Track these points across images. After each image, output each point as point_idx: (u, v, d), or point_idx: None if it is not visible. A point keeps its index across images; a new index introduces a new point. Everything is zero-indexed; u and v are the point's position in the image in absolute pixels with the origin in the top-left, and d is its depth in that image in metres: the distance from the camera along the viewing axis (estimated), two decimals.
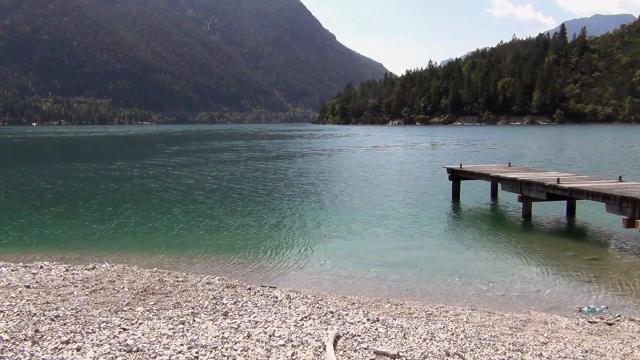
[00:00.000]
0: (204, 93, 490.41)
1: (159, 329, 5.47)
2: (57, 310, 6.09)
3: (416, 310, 7.00)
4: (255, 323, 5.75)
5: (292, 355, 4.78)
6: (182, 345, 4.95)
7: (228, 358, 4.70)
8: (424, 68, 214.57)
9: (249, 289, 7.69)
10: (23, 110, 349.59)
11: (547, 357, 5.06)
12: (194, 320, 5.83)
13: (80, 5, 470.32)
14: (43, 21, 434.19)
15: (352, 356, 4.82)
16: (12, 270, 8.54)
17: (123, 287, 7.43)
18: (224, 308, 6.44)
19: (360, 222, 14.29)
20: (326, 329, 5.55)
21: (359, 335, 5.38)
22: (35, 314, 5.89)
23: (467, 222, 14.84)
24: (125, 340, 5.05)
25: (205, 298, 6.93)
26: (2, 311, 5.95)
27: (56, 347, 4.84)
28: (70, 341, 5.01)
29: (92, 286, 7.46)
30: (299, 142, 69.66)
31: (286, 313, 6.24)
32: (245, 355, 4.76)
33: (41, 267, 8.94)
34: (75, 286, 7.47)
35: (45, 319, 5.71)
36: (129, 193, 20.73)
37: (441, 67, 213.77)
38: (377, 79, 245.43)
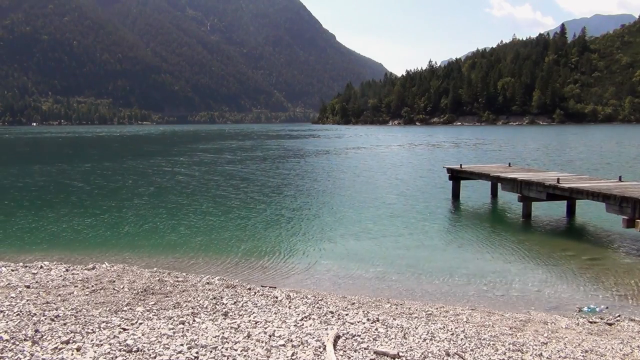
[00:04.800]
0: (204, 93, 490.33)
1: (159, 329, 5.47)
2: (57, 310, 6.09)
3: (416, 310, 7.00)
4: (255, 323, 5.75)
5: (292, 355, 4.78)
6: (182, 345, 4.95)
7: (228, 358, 4.70)
8: (424, 68, 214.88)
9: (249, 289, 7.69)
10: (23, 110, 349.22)
11: (547, 357, 5.06)
12: (194, 320, 5.82)
13: (80, 5, 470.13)
14: (43, 21, 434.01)
15: (352, 356, 4.82)
16: (12, 270, 8.54)
17: (123, 287, 7.43)
18: (224, 308, 6.44)
19: (360, 222, 14.29)
20: (326, 329, 5.55)
21: (359, 335, 5.38)
22: (35, 314, 5.89)
23: (467, 222, 14.84)
24: (125, 340, 5.05)
25: (205, 298, 6.93)
26: (2, 311, 5.95)
27: (56, 347, 4.84)
28: (70, 341, 5.01)
29: (92, 286, 7.46)
30: (300, 142, 69.66)
31: (286, 313, 6.24)
32: (245, 355, 4.76)
33: (41, 267, 8.94)
34: (75, 286, 7.46)
35: (45, 319, 5.71)
36: (130, 193, 20.72)
37: (441, 67, 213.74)
38: (377, 79, 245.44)
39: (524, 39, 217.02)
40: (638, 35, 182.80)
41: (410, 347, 5.12)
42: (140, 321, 5.76)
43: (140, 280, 7.92)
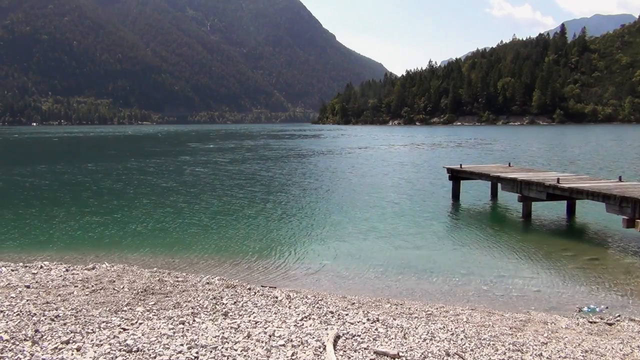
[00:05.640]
0: (204, 93, 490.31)
1: (159, 329, 5.47)
2: (57, 310, 6.09)
3: (416, 310, 7.00)
4: (255, 323, 5.75)
5: (292, 355, 4.78)
6: (182, 345, 4.96)
7: (228, 358, 4.70)
8: (424, 68, 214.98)
9: (249, 289, 7.69)
10: (23, 110, 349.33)
11: (547, 357, 5.06)
12: (194, 320, 5.83)
13: (80, 5, 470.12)
14: (43, 21, 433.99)
15: (352, 356, 4.82)
16: (12, 270, 8.54)
17: (123, 287, 7.43)
18: (224, 308, 6.44)
19: (360, 222, 14.29)
20: (326, 329, 5.55)
21: (359, 335, 5.38)
22: (35, 314, 5.89)
23: (467, 222, 14.84)
24: (125, 340, 5.05)
25: (205, 298, 6.93)
26: (2, 311, 5.95)
27: (56, 347, 4.84)
28: (70, 341, 5.01)
29: (92, 286, 7.46)
30: (302, 142, 69.66)
31: (286, 313, 6.24)
32: (245, 355, 4.76)
33: (41, 267, 8.94)
34: (75, 286, 7.47)
35: (45, 319, 5.71)
36: (129, 193, 20.72)
37: (441, 67, 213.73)
38: (377, 79, 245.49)
39: (524, 39, 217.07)
40: (638, 35, 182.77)
41: (410, 347, 5.12)
42: (140, 321, 5.76)
43: (140, 280, 7.92)
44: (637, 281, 8.85)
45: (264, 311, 6.32)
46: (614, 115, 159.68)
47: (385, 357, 4.83)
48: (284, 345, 5.02)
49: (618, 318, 6.91)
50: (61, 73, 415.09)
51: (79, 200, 18.71)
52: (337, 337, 5.27)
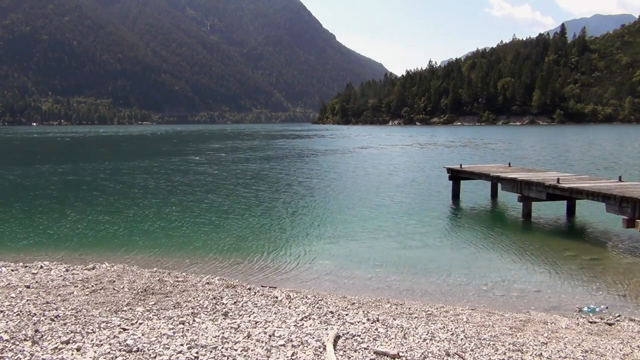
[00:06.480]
0: (204, 93, 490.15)
1: (159, 329, 5.47)
2: (57, 310, 6.09)
3: (416, 310, 7.00)
4: (255, 323, 5.75)
5: (292, 355, 4.78)
6: (182, 345, 4.96)
7: (228, 358, 4.70)
8: (424, 68, 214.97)
9: (249, 289, 7.69)
10: (23, 110, 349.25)
11: (547, 357, 5.06)
12: (194, 320, 5.83)
13: (80, 5, 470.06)
14: (43, 21, 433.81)
15: (352, 356, 4.82)
16: (12, 270, 8.54)
17: (123, 287, 7.43)
18: (224, 308, 6.44)
19: (360, 222, 14.29)
20: (326, 329, 5.55)
21: (359, 335, 5.38)
22: (35, 314, 5.89)
23: (467, 222, 14.84)
24: (125, 340, 5.05)
25: (205, 298, 6.93)
26: (2, 311, 5.95)
27: (56, 347, 4.84)
28: (70, 341, 5.02)
29: (92, 286, 7.46)
30: (305, 141, 69.66)
31: (286, 313, 6.24)
32: (245, 355, 4.76)
33: (41, 267, 8.94)
34: (75, 286, 7.47)
35: (45, 319, 5.71)
36: (130, 193, 20.72)
37: (441, 67, 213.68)
38: (377, 79, 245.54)
39: (524, 39, 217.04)
40: (638, 35, 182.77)
41: (410, 347, 5.12)
42: (140, 321, 5.76)
43: (140, 280, 7.92)
44: (637, 281, 8.85)
45: (264, 311, 6.32)
46: (614, 115, 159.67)
47: (385, 357, 4.83)
48: (284, 345, 5.02)
49: (618, 318, 6.91)
50: (61, 73, 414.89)
51: (80, 200, 18.70)
52: (337, 337, 5.27)
